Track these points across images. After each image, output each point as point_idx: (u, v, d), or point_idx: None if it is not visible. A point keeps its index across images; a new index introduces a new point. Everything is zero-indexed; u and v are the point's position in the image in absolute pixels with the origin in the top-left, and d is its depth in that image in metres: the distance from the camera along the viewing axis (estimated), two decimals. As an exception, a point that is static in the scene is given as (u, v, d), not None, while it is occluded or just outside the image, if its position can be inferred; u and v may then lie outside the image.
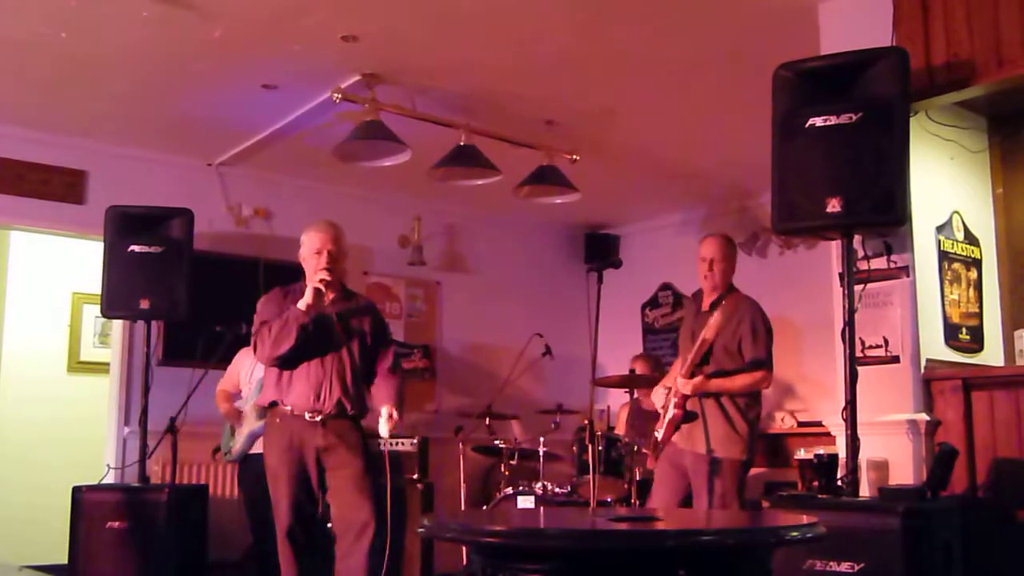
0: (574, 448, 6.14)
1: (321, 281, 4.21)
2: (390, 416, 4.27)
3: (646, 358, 6.43)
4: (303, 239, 4.42)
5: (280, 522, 4.22)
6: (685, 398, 4.29)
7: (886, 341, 3.81)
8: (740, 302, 4.40)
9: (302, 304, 4.19)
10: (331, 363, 4.27)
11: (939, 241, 4.03)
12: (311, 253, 4.35)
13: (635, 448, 5.19)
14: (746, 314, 4.35)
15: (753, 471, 6.59)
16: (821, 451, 3.66)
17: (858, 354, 3.66)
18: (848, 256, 3.59)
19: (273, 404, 4.29)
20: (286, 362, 4.24)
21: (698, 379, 4.25)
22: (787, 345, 6.79)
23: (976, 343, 4.14)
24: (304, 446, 4.21)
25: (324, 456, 4.23)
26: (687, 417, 4.29)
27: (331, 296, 4.36)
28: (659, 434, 4.39)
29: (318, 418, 4.21)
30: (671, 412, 4.32)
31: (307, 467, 4.23)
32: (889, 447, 3.71)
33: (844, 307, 3.58)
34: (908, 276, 3.80)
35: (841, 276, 3.67)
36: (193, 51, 4.75)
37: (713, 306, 4.40)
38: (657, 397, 4.55)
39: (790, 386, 6.79)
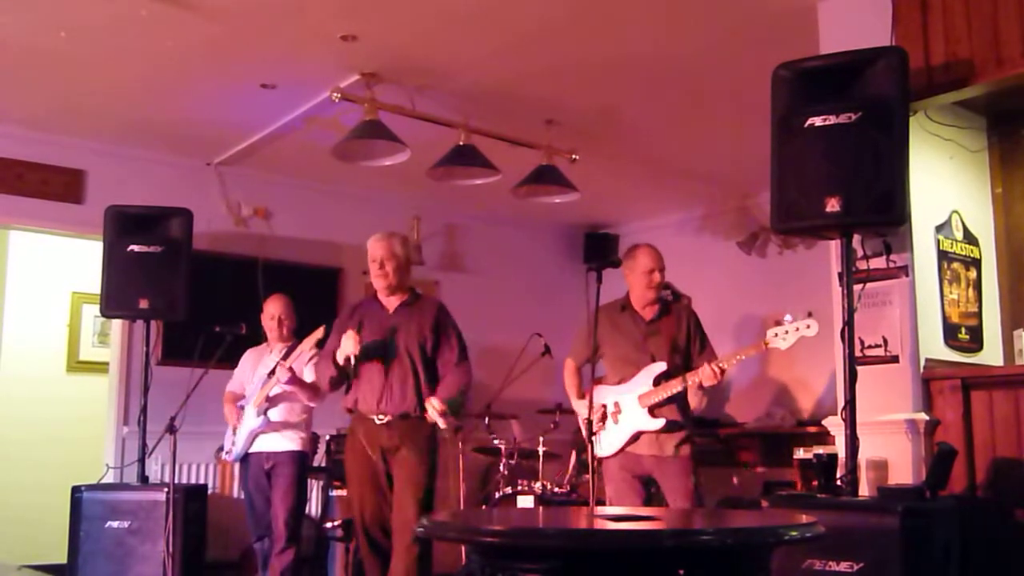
0: (573, 448, 6.14)
1: (346, 359, 4.37)
2: (434, 407, 4.39)
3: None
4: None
5: (355, 516, 4.56)
6: (653, 409, 4.29)
7: (885, 341, 3.81)
8: (679, 309, 4.60)
9: (340, 357, 4.39)
10: (393, 368, 4.47)
11: (938, 241, 4.02)
12: (369, 262, 4.56)
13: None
14: (691, 318, 4.52)
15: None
16: (820, 451, 3.66)
17: (857, 354, 3.66)
18: (847, 256, 3.58)
19: (350, 409, 4.59)
20: (335, 387, 4.61)
21: (716, 368, 4.19)
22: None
23: (975, 343, 4.14)
24: (371, 446, 4.46)
25: (389, 455, 4.47)
26: (670, 426, 4.29)
27: (397, 301, 4.56)
28: (614, 445, 4.37)
29: (384, 419, 4.43)
30: (645, 425, 4.31)
31: (375, 465, 4.46)
32: (888, 447, 3.71)
33: (843, 307, 3.58)
34: (907, 276, 3.80)
35: (840, 276, 3.66)
36: (192, 51, 4.74)
37: (661, 314, 4.47)
38: (581, 410, 4.46)
39: (789, 385, 6.78)
